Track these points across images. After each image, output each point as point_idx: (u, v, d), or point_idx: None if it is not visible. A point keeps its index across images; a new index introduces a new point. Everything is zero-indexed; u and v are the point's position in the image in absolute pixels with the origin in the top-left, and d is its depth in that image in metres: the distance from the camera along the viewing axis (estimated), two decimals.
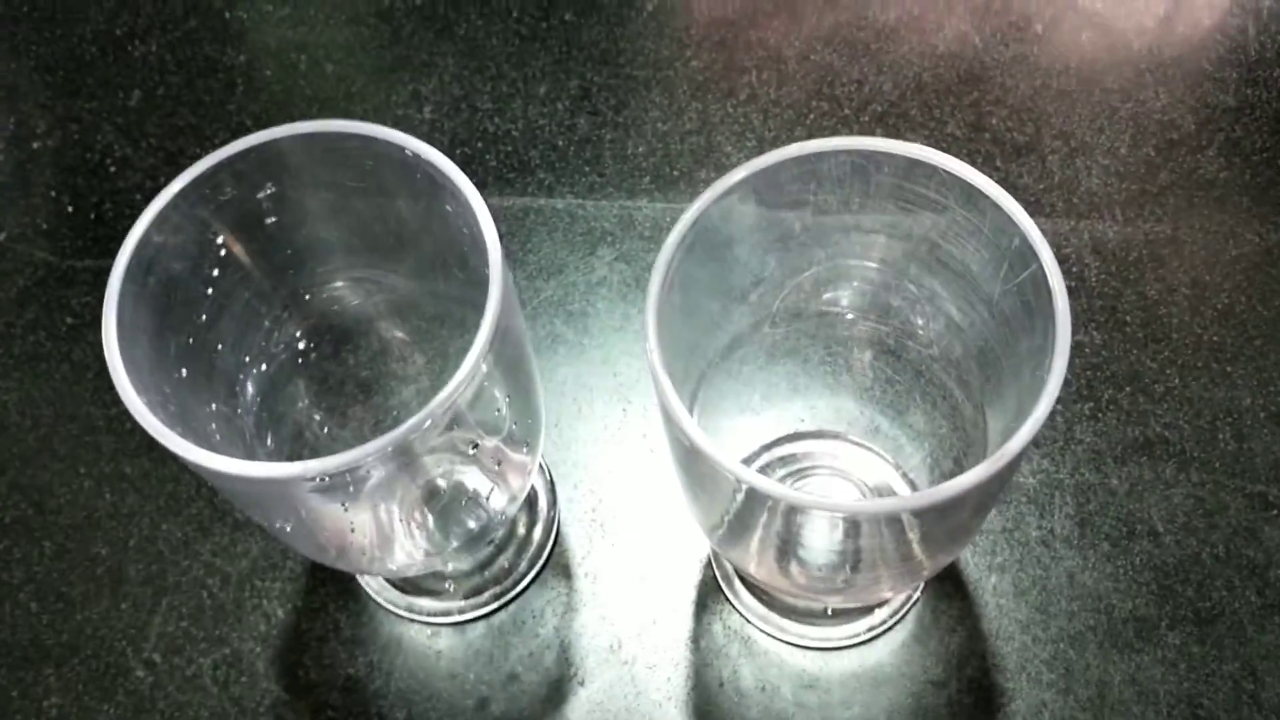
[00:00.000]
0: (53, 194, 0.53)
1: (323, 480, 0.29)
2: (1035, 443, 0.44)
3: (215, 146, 0.32)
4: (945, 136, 0.51)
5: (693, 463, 0.30)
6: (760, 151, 0.51)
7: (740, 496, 0.31)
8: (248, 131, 0.33)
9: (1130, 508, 0.43)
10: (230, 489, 0.31)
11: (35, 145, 0.54)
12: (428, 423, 0.29)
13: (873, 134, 0.51)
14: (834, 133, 0.51)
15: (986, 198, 0.30)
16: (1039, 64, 0.53)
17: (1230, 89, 0.52)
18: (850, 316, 0.39)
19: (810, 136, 0.31)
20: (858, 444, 0.44)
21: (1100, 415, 0.45)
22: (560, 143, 0.53)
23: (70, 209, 0.53)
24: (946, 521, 0.31)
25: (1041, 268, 0.29)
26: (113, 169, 0.53)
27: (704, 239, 0.33)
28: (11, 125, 0.55)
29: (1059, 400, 0.45)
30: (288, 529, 0.33)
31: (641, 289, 0.49)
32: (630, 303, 0.49)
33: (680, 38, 0.55)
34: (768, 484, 0.28)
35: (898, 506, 0.29)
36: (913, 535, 0.32)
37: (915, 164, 0.31)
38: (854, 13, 0.55)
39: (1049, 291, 0.29)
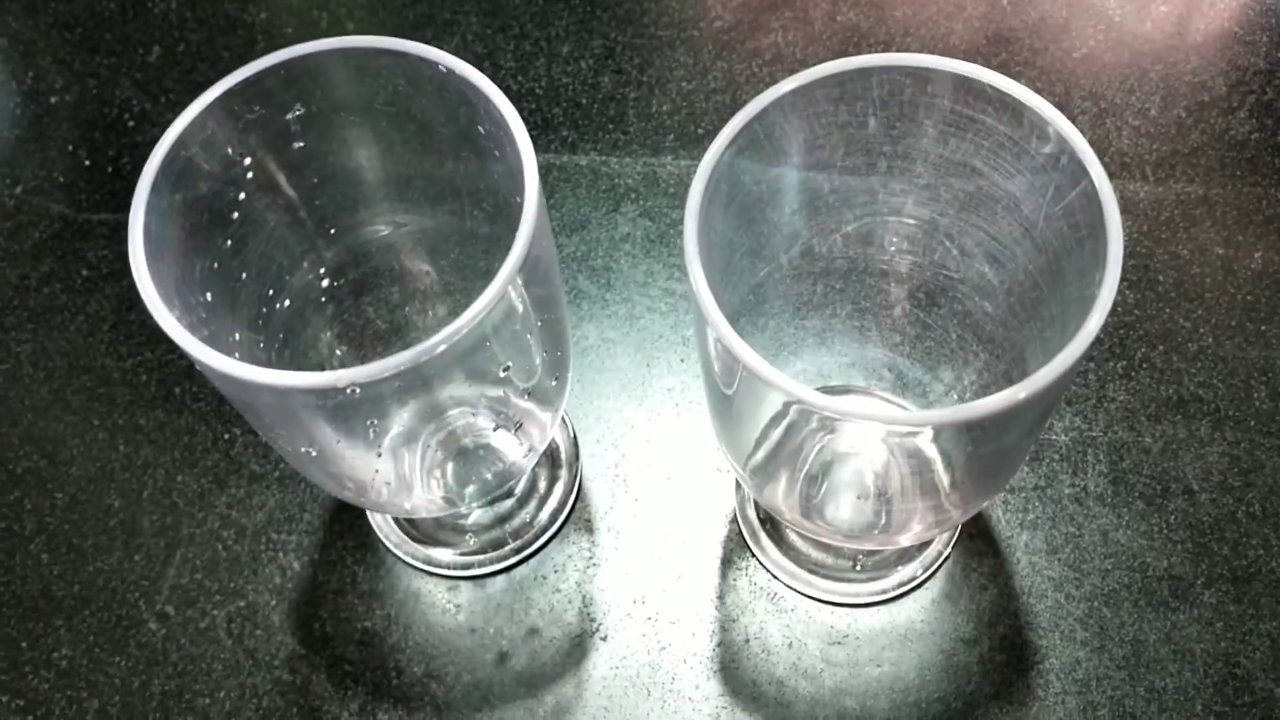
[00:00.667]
0: (70, 148, 0.52)
1: (353, 391, 0.28)
2: (1068, 400, 0.44)
3: None
4: None
5: (731, 378, 0.30)
6: None
7: (788, 412, 0.30)
8: None
9: (1164, 466, 0.43)
10: (257, 403, 0.30)
11: (53, 100, 0.54)
12: (458, 337, 0.28)
13: None
14: None
15: (1033, 112, 0.29)
16: (1068, 25, 0.53)
17: (1261, 52, 0.52)
18: (882, 264, 0.38)
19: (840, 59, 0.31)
20: (886, 399, 0.43)
21: (1133, 374, 0.44)
22: (584, 101, 0.52)
23: (87, 163, 0.52)
24: (984, 446, 0.31)
25: (1092, 181, 0.28)
26: (131, 124, 0.53)
27: (730, 185, 0.32)
28: (29, 80, 0.55)
29: (1091, 358, 0.44)
30: (313, 454, 0.32)
31: (666, 244, 0.48)
32: (654, 259, 0.48)
33: None
34: (809, 394, 0.27)
35: (935, 419, 0.28)
36: (943, 465, 0.32)
37: (962, 80, 0.30)
38: None
39: (1100, 205, 0.28)
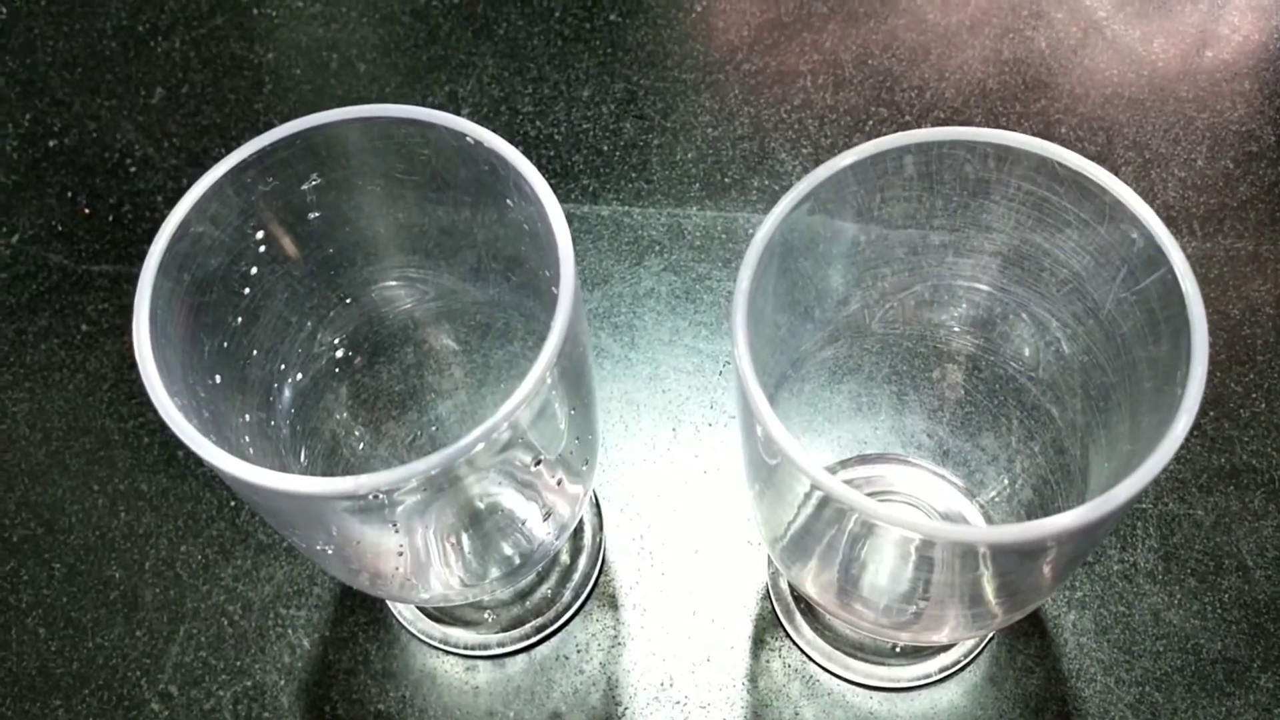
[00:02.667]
0: (69, 195, 0.50)
1: (376, 498, 0.26)
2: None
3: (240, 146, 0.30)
4: None
5: (768, 460, 0.28)
6: (816, 158, 0.49)
7: (812, 500, 0.28)
8: None
9: (1217, 540, 0.41)
10: (268, 505, 0.28)
11: (51, 144, 0.52)
12: (492, 436, 0.26)
13: None
14: None
15: (1107, 194, 0.28)
16: (1110, 72, 0.51)
17: None
18: (920, 333, 0.37)
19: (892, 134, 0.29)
20: (926, 468, 0.41)
21: (1183, 442, 0.42)
22: (605, 148, 0.50)
23: (87, 210, 0.50)
24: (1032, 562, 0.29)
25: (1172, 270, 0.26)
26: (133, 169, 0.51)
27: (775, 247, 0.30)
28: (26, 122, 0.52)
29: None
30: (329, 551, 0.30)
31: (691, 301, 0.46)
32: (679, 315, 0.46)
33: (731, 40, 0.53)
34: (843, 490, 0.25)
35: (986, 538, 0.26)
36: (987, 574, 0.30)
37: (1025, 155, 0.28)
38: (914, 16, 0.53)
39: (1181, 298, 0.26)
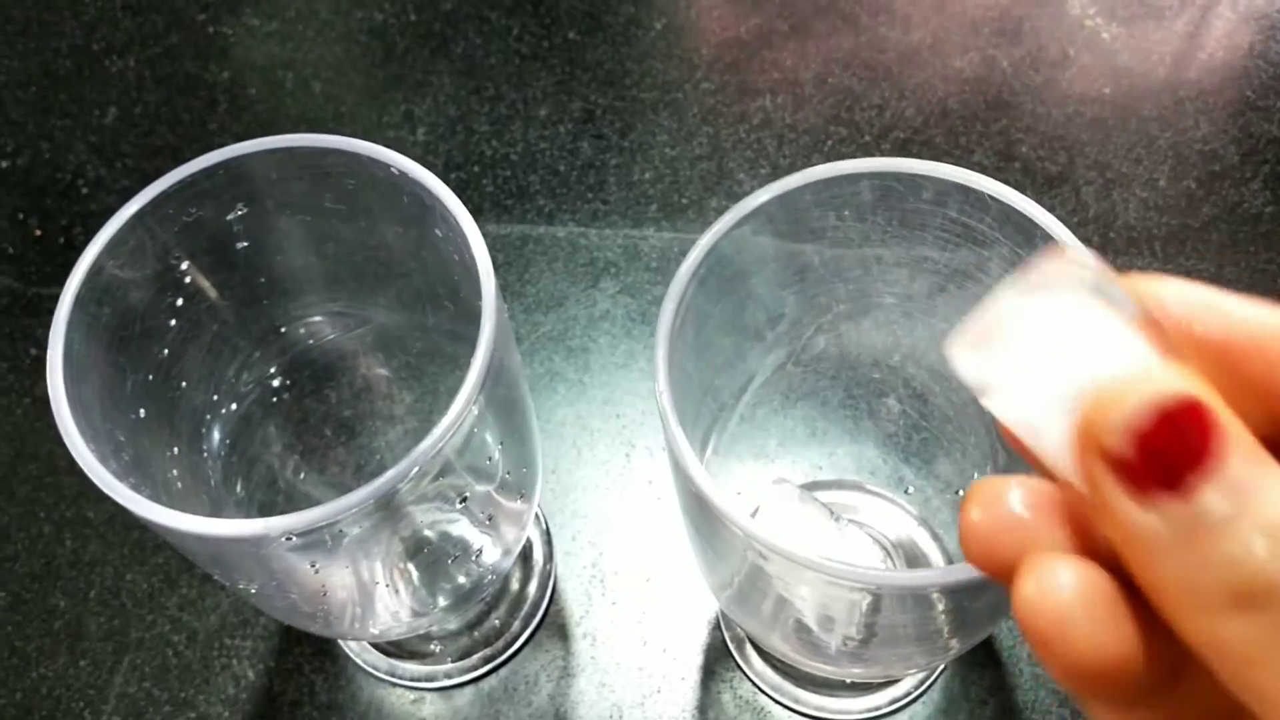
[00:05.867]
0: (20, 216, 0.50)
1: (288, 539, 0.25)
2: None
3: None
4: (972, 165, 0.48)
5: (702, 516, 0.27)
6: (775, 178, 0.48)
7: (751, 555, 0.28)
8: None
9: None
10: (187, 547, 0.27)
11: (3, 164, 0.51)
12: (412, 473, 0.26)
13: None
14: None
15: (1037, 229, 0.27)
16: (1071, 90, 0.50)
17: (1275, 118, 0.49)
18: (875, 357, 0.36)
19: (828, 162, 0.28)
20: (880, 495, 0.40)
21: None
22: (562, 168, 0.49)
23: (39, 232, 0.49)
24: (981, 599, 0.28)
25: None
26: (85, 190, 0.50)
27: (719, 270, 0.30)
28: None
29: None
30: (253, 590, 0.29)
31: (647, 324, 0.46)
32: (635, 339, 0.45)
33: (690, 58, 0.52)
34: (780, 544, 0.24)
35: (927, 582, 0.25)
36: (941, 612, 0.29)
37: (957, 189, 0.28)
38: (874, 34, 0.52)
39: None
